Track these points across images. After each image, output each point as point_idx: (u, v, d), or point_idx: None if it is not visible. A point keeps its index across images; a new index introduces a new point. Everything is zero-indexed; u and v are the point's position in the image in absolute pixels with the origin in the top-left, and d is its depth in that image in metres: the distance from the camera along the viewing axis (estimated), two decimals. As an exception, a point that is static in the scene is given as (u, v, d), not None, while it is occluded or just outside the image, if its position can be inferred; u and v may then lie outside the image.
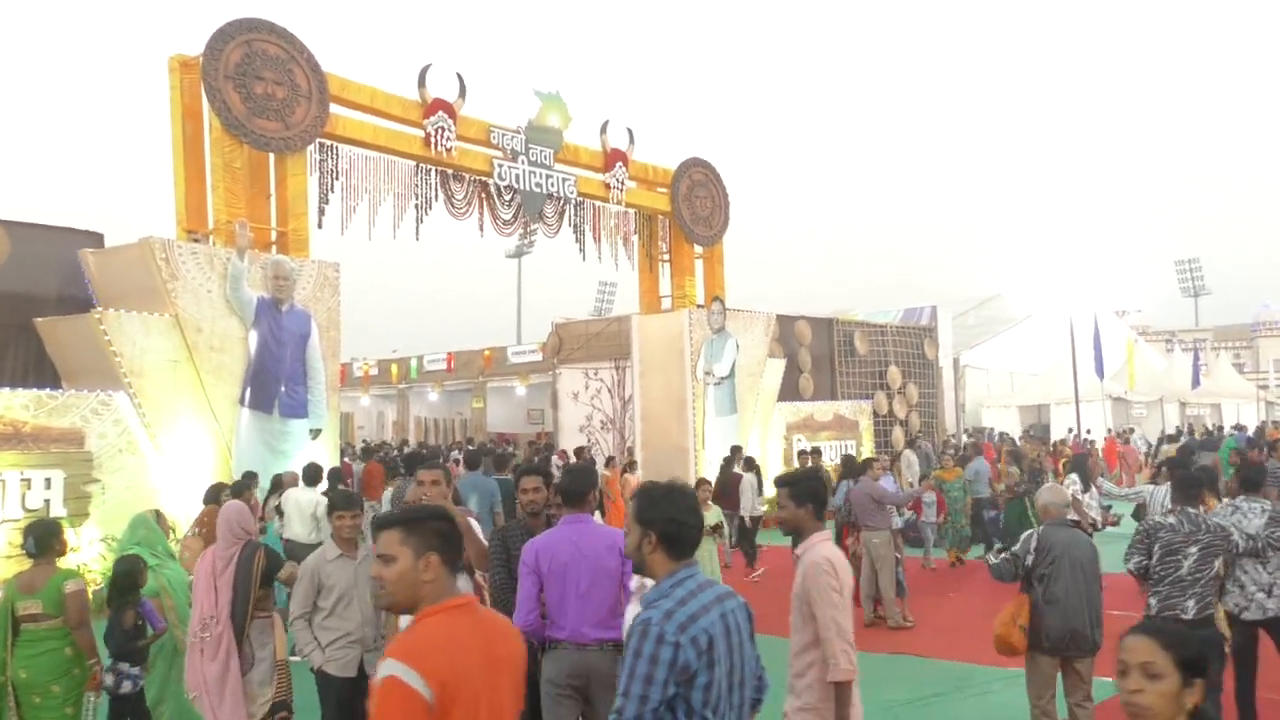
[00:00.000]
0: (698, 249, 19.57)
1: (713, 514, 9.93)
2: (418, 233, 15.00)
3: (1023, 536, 5.65)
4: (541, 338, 28.01)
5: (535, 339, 31.73)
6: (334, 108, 13.41)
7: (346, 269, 13.29)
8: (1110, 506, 13.33)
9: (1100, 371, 24.07)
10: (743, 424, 18.88)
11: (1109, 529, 12.82)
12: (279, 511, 10.07)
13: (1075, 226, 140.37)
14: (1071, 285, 22.57)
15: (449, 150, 14.84)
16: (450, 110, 14.80)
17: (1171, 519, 5.69)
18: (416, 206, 14.81)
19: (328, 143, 13.62)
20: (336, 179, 13.75)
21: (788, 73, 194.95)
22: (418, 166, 14.83)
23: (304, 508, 9.82)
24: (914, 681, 7.77)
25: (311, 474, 10.28)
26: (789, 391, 21.00)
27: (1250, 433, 22.57)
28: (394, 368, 36.50)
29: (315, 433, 12.76)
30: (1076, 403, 19.96)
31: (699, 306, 18.95)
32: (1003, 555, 5.82)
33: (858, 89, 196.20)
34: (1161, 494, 8.33)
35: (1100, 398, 25.37)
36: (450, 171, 15.26)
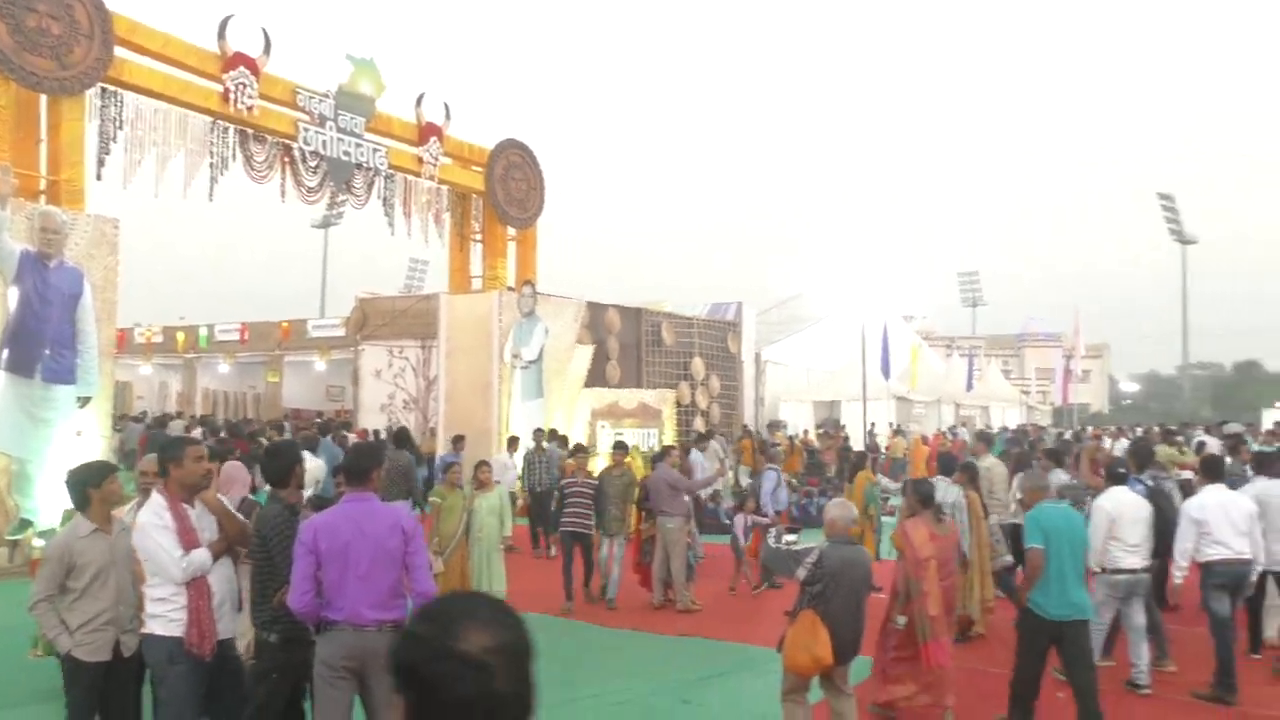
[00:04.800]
0: (511, 231, 19.41)
1: (494, 495, 9.52)
2: (212, 193, 14.17)
3: (810, 549, 5.66)
4: (346, 312, 27.05)
5: (340, 313, 30.58)
6: (120, 51, 12.42)
7: (128, 227, 12.30)
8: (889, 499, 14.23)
9: (886, 372, 25.59)
10: (548, 408, 18.89)
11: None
12: None
13: (872, 234, 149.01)
14: (865, 290, 23.83)
15: (249, 108, 14.04)
16: (253, 66, 13.99)
17: None
18: (211, 165, 13.97)
19: (111, 88, 12.60)
20: (120, 128, 12.76)
21: (612, 67, 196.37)
22: (214, 123, 13.95)
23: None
24: (700, 661, 8.04)
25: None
26: (596, 378, 21.18)
27: (1010, 433, 24.60)
28: (180, 335, 34.26)
29: (83, 401, 11.77)
30: (864, 400, 21.20)
31: (509, 289, 18.81)
32: (786, 543, 5.91)
33: (678, 88, 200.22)
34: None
35: (886, 396, 27.01)
36: (251, 131, 14.46)
